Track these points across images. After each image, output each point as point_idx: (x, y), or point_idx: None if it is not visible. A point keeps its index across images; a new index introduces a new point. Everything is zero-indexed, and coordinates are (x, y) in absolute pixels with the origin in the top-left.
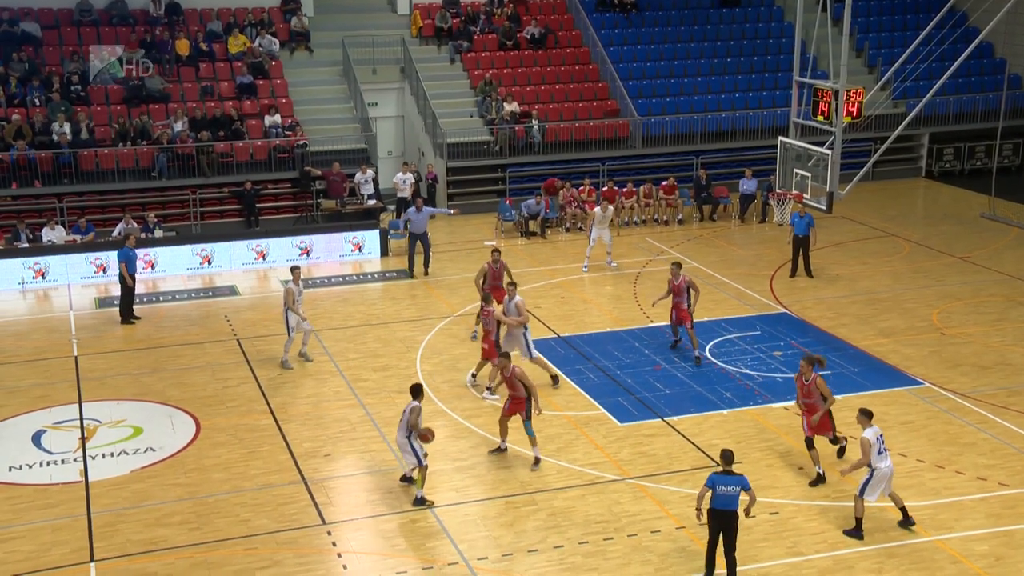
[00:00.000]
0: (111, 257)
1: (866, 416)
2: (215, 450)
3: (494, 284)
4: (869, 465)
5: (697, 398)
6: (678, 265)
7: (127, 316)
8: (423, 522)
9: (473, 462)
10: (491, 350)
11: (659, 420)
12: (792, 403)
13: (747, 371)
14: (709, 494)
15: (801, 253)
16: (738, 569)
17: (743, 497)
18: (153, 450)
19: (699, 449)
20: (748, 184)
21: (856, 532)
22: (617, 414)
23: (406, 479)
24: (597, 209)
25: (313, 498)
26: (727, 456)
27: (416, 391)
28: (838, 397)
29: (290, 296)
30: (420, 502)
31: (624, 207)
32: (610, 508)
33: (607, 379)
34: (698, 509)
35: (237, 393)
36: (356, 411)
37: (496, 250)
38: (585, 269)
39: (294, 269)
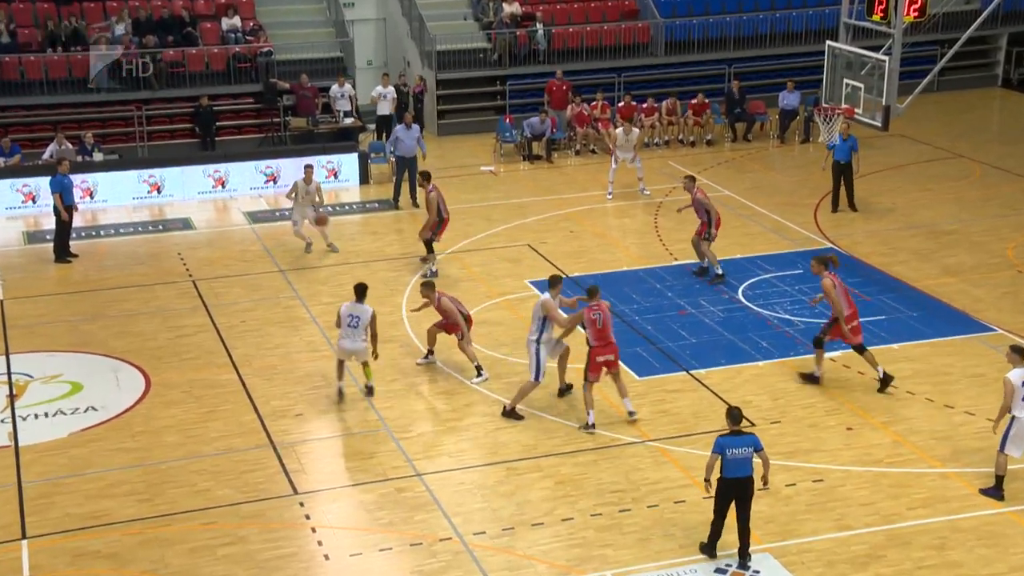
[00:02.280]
0: (42, 185)
1: (1019, 355)
2: (167, 409)
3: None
4: (1010, 411)
5: (728, 348)
6: (691, 179)
7: (62, 254)
8: (410, 492)
9: (469, 423)
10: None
11: (684, 373)
12: (839, 352)
13: (786, 316)
14: (719, 461)
15: (843, 183)
16: (775, 545)
17: (756, 461)
18: (95, 409)
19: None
20: (789, 98)
21: (995, 491)
22: (636, 366)
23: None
24: (619, 131)
25: (283, 464)
26: (734, 415)
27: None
28: (894, 346)
29: (297, 191)
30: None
31: (644, 126)
32: (627, 475)
33: (624, 326)
34: (706, 480)
35: (193, 344)
36: (332, 364)
37: None
38: (609, 196)
39: (307, 167)
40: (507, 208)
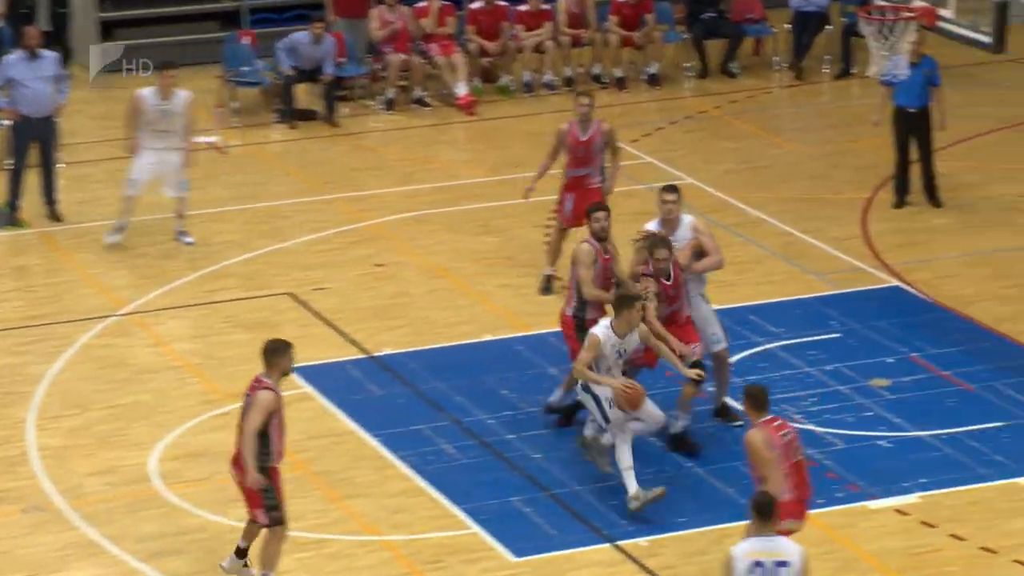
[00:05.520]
0: None
1: None
2: None
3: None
4: None
5: (701, 490)
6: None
7: None
8: None
9: None
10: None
11: (607, 546)
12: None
13: (811, 426)
14: None
15: (915, 150)
16: None
17: None
18: None
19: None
20: None
21: None
22: (509, 537)
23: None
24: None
25: None
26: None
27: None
28: (1022, 480)
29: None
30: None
31: (523, 50)
32: None
33: (481, 453)
34: None
35: None
36: None
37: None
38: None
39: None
40: (246, 220)
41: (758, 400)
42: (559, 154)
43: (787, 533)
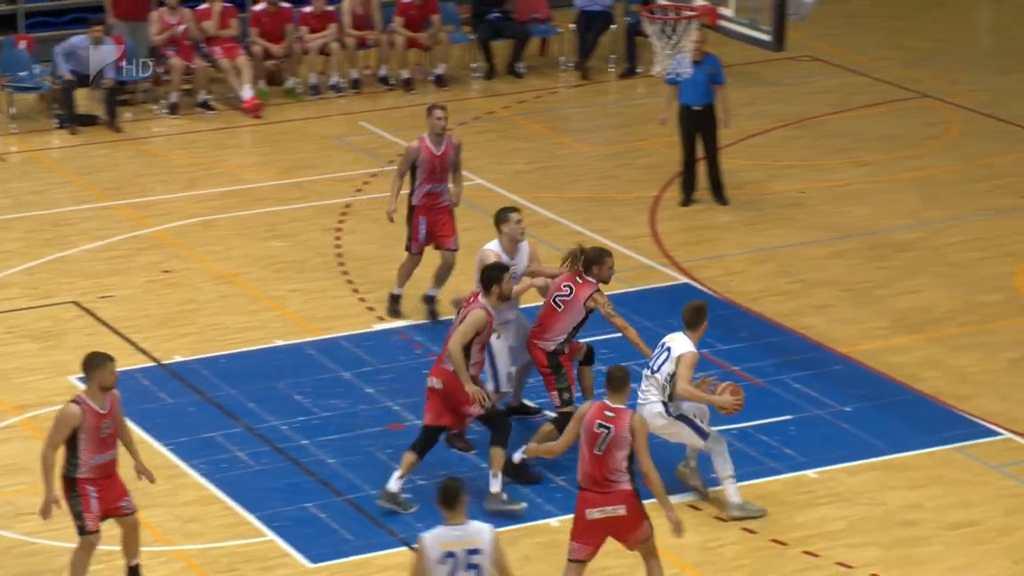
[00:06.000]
0: None
1: None
2: None
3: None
4: None
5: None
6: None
7: None
8: None
9: None
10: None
11: (404, 549)
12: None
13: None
14: None
15: (700, 147)
16: None
17: None
18: None
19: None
20: None
21: None
22: (304, 543)
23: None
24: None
25: None
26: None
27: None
28: (811, 473)
29: None
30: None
31: (308, 49)
32: None
33: (274, 459)
34: None
35: None
36: None
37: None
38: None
39: None
40: (28, 228)
41: (618, 382)
42: (406, 172)
43: (616, 520)
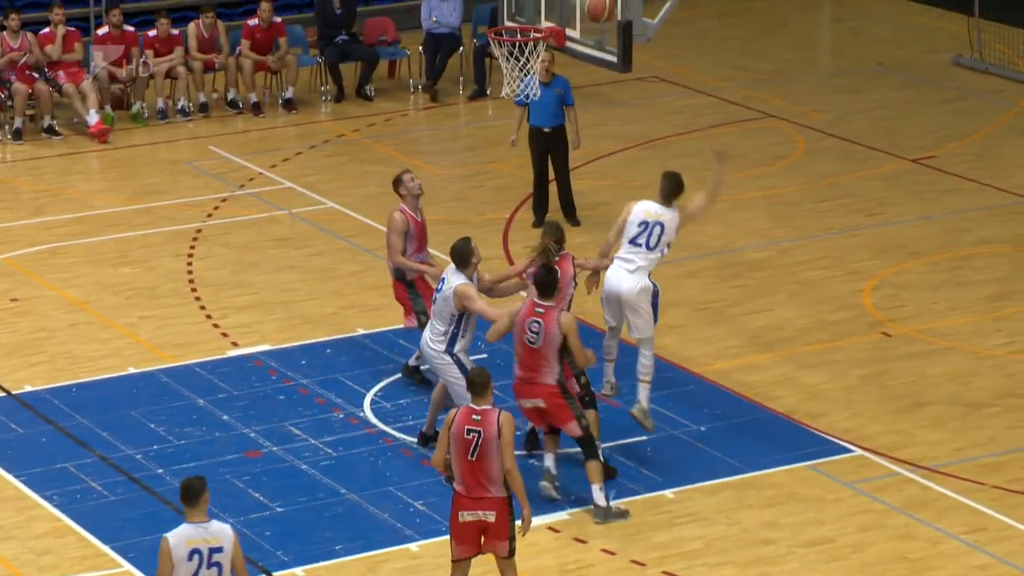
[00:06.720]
0: None
1: None
2: None
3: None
4: None
5: (356, 517)
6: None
7: None
8: None
9: None
10: None
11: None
12: None
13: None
14: None
15: (550, 168)
16: None
17: None
18: None
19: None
20: (443, 9)
21: None
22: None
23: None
24: None
25: None
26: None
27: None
28: (668, 493)
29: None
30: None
31: (153, 73)
32: None
33: (129, 489)
34: None
35: None
36: None
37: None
38: None
39: None
40: None
41: (480, 387)
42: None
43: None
